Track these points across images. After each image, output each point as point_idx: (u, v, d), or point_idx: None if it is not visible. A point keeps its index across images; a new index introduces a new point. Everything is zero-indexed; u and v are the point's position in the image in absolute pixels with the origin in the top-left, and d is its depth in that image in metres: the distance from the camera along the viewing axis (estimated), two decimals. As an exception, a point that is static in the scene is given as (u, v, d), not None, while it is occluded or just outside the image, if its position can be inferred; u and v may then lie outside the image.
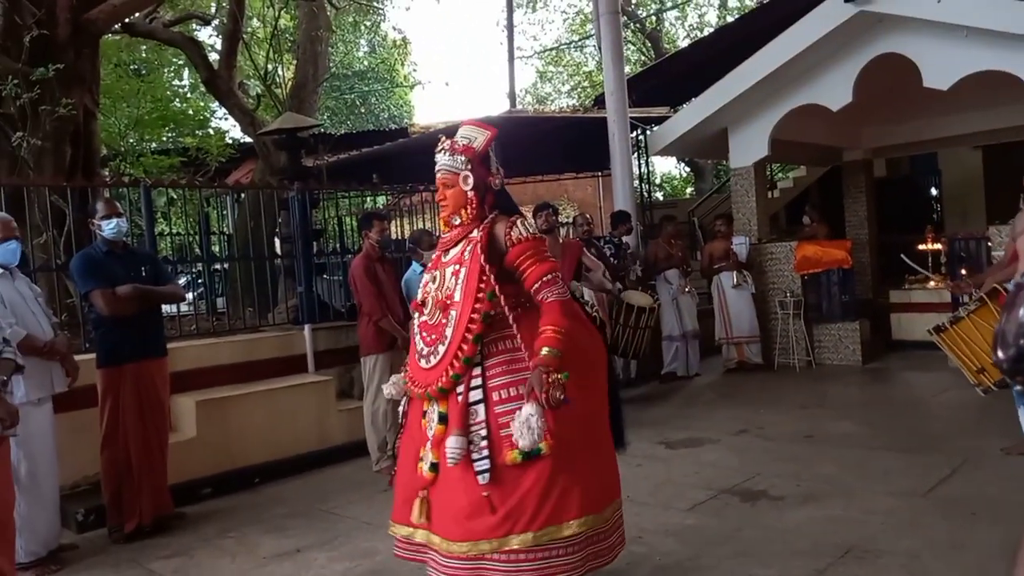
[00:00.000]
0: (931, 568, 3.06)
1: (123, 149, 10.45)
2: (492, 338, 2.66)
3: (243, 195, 9.68)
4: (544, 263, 2.67)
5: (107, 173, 9.11)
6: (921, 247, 8.29)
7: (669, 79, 12.70)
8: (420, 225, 7.05)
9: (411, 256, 5.69)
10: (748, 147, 8.61)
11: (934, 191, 12.69)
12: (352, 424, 5.54)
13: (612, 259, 7.27)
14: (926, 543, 3.30)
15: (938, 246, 8.30)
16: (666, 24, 22.47)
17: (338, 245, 7.76)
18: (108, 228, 4.15)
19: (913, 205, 11.96)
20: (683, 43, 21.20)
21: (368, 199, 11.80)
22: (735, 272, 7.86)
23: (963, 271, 7.10)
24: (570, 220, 7.59)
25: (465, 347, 2.61)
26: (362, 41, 24.38)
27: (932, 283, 8.28)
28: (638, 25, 21.11)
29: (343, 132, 15.24)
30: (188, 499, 4.63)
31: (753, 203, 8.72)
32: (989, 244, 7.34)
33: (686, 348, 7.74)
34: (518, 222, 2.72)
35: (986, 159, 11.55)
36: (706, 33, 19.56)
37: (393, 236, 6.79)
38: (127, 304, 4.08)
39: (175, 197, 11.07)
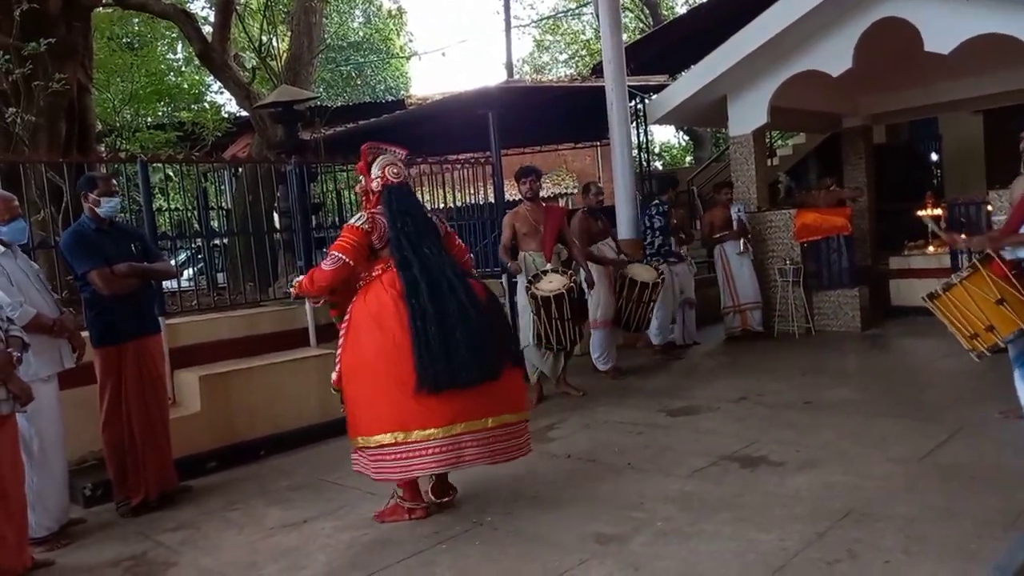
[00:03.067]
0: (927, 532, 3.11)
1: (118, 124, 10.37)
2: None
3: (241, 169, 9.64)
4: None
5: (103, 149, 9.06)
6: (920, 213, 8.28)
7: (668, 47, 12.59)
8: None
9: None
10: (747, 115, 8.56)
11: (934, 157, 12.65)
12: (355, 397, 5.58)
13: (659, 227, 7.24)
14: (923, 508, 3.34)
15: (938, 212, 8.29)
16: (664, -10, 22.18)
17: (337, 219, 7.74)
18: (108, 206, 4.13)
19: (913, 171, 11.91)
20: (681, 10, 20.96)
21: (366, 172, 11.72)
22: (741, 240, 7.86)
23: (963, 236, 7.08)
24: (582, 187, 7.48)
25: None
26: (357, 12, 24.13)
27: (931, 248, 8.30)
28: (636, -9, 20.86)
29: (339, 104, 15.14)
30: (194, 473, 4.69)
31: (752, 171, 8.69)
32: (989, 209, 7.33)
33: (683, 317, 7.76)
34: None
35: (987, 124, 11.49)
36: (705, -1, 19.32)
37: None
38: (124, 283, 4.08)
39: (172, 173, 11.02)
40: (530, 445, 3.86)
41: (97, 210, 4.12)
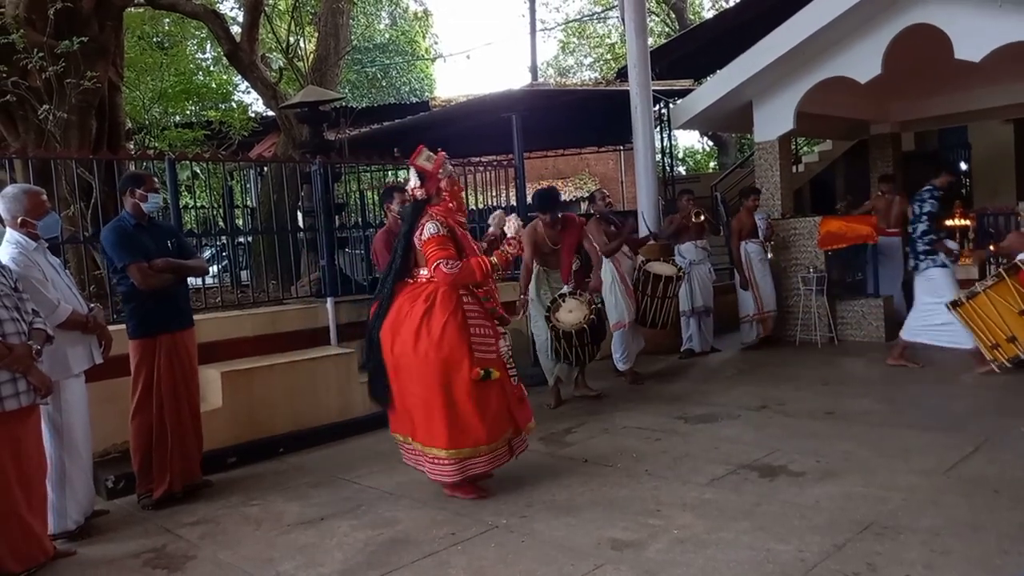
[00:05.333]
0: (951, 546, 3.06)
1: (147, 122, 10.51)
2: None
3: (266, 168, 9.72)
4: None
5: (132, 146, 9.19)
6: (949, 222, 8.16)
7: (693, 51, 12.52)
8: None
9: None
10: (773, 120, 8.49)
11: (963, 165, 12.46)
12: (374, 396, 5.61)
13: (927, 214, 6.41)
14: (947, 521, 3.29)
15: (966, 221, 8.16)
16: (691, -6, 22.08)
17: (359, 219, 7.80)
18: (152, 201, 4.24)
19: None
20: (708, 14, 20.86)
21: (389, 173, 11.81)
22: (770, 245, 7.81)
23: (991, 247, 6.96)
24: (588, 195, 7.49)
25: None
26: (383, 13, 24.27)
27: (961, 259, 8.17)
28: (663, -4, 20.78)
29: (364, 105, 15.21)
30: (214, 467, 4.73)
31: (777, 177, 8.62)
32: (1019, 219, 7.21)
33: (699, 324, 7.71)
34: None
35: (1018, 133, 11.32)
36: (732, 4, 19.20)
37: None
38: (161, 278, 4.17)
39: (199, 171, 11.14)
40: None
41: (143, 206, 4.22)
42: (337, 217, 6.69)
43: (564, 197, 11.56)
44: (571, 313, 5.54)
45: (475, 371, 3.78)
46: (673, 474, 4.17)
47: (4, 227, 3.80)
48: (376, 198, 9.10)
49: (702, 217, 7.68)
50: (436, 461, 3.89)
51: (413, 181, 3.98)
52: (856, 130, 10.55)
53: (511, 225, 4.16)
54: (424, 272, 3.96)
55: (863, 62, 7.61)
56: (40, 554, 3.43)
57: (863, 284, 7.87)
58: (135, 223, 4.23)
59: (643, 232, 7.92)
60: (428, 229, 3.87)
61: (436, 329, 3.81)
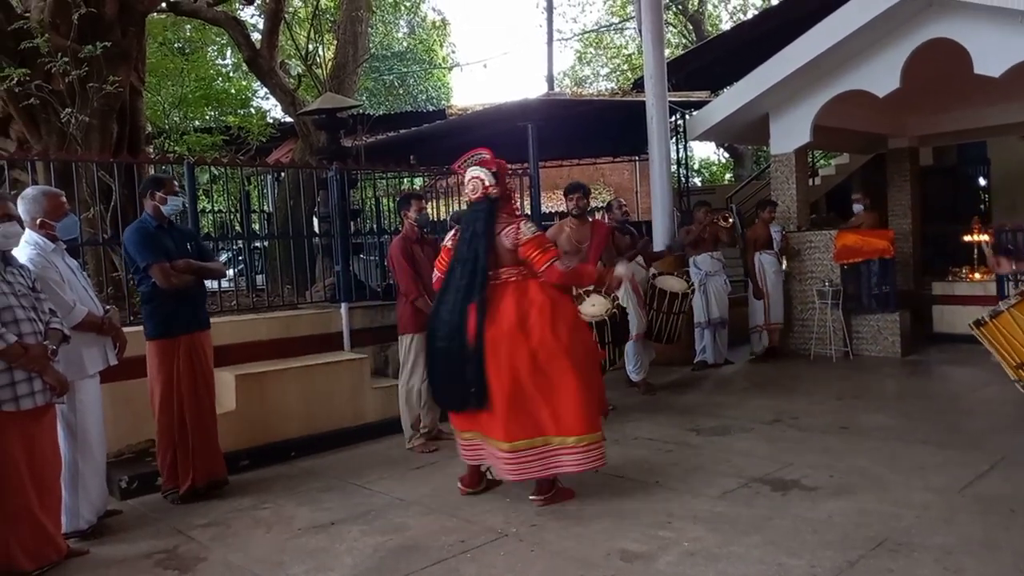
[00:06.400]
0: (965, 565, 3.02)
1: (167, 127, 10.62)
2: None
3: (283, 174, 9.81)
4: None
5: (152, 150, 9.29)
6: (967, 238, 8.08)
7: (710, 63, 12.53)
8: (457, 207, 7.07)
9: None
10: (789, 133, 8.47)
11: (982, 181, 12.37)
12: (386, 402, 5.62)
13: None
14: (961, 540, 3.26)
15: (984, 237, 8.10)
16: (709, 6, 22.11)
17: (375, 225, 7.83)
18: (172, 204, 4.31)
19: (960, 195, 11.67)
20: (726, 26, 20.85)
21: (405, 180, 11.86)
22: (783, 258, 7.80)
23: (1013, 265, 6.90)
24: (604, 204, 7.49)
25: None
26: (401, 22, 24.42)
27: (977, 274, 8.11)
28: (680, 7, 20.80)
29: (381, 113, 15.33)
30: (227, 469, 4.75)
31: (793, 190, 8.59)
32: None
33: (714, 336, 7.69)
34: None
35: (1038, 149, 11.20)
36: (750, 16, 19.21)
37: (431, 217, 6.81)
38: (181, 279, 4.23)
39: (217, 175, 11.25)
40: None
41: (162, 208, 4.27)
42: (352, 223, 6.73)
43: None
44: (594, 307, 5.57)
45: (603, 352, 3.88)
46: (684, 486, 4.14)
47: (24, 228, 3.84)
48: (392, 205, 9.14)
49: (731, 221, 7.70)
50: (588, 448, 3.85)
51: (488, 179, 3.96)
52: (873, 144, 10.49)
53: (621, 270, 4.28)
54: (505, 271, 3.94)
55: (881, 76, 7.58)
56: (53, 553, 3.46)
57: (887, 297, 7.81)
58: (156, 225, 4.29)
59: (658, 247, 7.93)
60: (527, 229, 3.92)
61: (569, 316, 3.95)
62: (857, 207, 8.69)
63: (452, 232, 4.23)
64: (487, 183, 3.94)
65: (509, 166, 4.30)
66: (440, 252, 4.23)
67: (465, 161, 4.07)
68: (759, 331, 7.98)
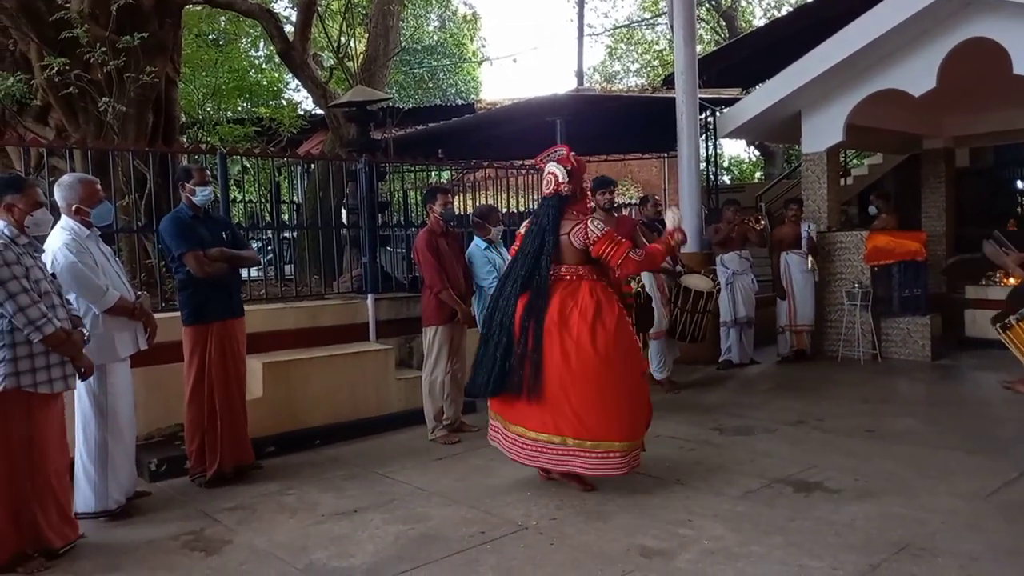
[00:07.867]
0: (990, 571, 2.99)
1: (201, 117, 10.78)
2: None
3: (313, 166, 9.90)
4: None
5: (185, 140, 9.43)
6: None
7: (742, 60, 12.39)
8: (484, 200, 7.10)
9: (475, 231, 5.74)
10: (822, 132, 8.36)
11: (1020, 184, 12.10)
12: (410, 393, 5.68)
13: None
14: (987, 546, 3.22)
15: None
16: (743, 2, 21.87)
17: (402, 218, 7.88)
18: (202, 194, 4.38)
19: (996, 197, 11.43)
20: (759, 23, 20.61)
21: (433, 173, 11.92)
22: (809, 258, 7.71)
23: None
24: (637, 201, 7.46)
25: None
26: (432, 16, 24.45)
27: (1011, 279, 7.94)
28: (713, 3, 20.60)
29: (411, 106, 15.38)
30: (254, 455, 4.83)
31: (824, 190, 8.48)
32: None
33: (740, 335, 7.63)
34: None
35: (1078, 152, 10.94)
36: (783, 12, 18.96)
37: (457, 211, 6.85)
38: (215, 267, 4.31)
39: (248, 166, 11.40)
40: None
41: (194, 198, 4.36)
42: (380, 215, 6.78)
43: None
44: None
45: (646, 362, 3.90)
46: (706, 485, 4.13)
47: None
48: (419, 198, 9.19)
49: (762, 223, 7.64)
50: (606, 455, 3.89)
51: (561, 176, 4.05)
52: (908, 144, 10.32)
53: (671, 217, 4.31)
54: (566, 268, 4.05)
55: (917, 75, 7.45)
56: (71, 532, 3.50)
57: (918, 300, 7.68)
58: (191, 214, 4.38)
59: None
60: (595, 227, 4.00)
61: (611, 323, 3.95)
62: (872, 209, 8.54)
63: (526, 221, 4.34)
64: (560, 179, 4.06)
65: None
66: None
67: (546, 156, 4.17)
68: (784, 331, 7.91)
